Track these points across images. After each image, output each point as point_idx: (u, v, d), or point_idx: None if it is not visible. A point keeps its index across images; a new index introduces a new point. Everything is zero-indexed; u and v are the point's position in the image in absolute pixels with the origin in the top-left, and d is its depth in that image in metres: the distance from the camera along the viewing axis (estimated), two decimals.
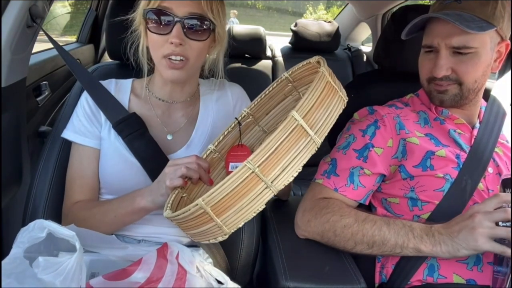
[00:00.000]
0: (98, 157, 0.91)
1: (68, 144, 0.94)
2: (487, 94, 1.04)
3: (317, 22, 2.58)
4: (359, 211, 0.90)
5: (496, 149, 0.97)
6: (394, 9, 2.04)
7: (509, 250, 0.74)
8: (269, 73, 2.43)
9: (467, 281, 0.87)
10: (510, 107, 1.04)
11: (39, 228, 0.64)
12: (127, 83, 0.98)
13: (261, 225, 1.05)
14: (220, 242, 0.90)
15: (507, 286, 0.77)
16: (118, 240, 0.83)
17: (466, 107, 0.99)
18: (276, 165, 0.59)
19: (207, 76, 1.03)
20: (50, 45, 1.02)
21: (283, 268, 0.84)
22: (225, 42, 0.94)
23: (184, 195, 0.81)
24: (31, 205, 0.96)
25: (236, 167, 0.86)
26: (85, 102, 0.93)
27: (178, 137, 0.95)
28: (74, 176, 0.91)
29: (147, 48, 0.90)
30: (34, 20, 0.97)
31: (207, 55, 0.94)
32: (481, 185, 0.92)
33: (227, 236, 0.66)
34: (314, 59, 0.78)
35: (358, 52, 2.64)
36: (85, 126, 0.91)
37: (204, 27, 0.84)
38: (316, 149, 0.63)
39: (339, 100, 0.67)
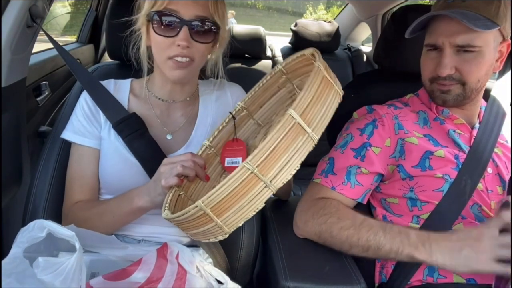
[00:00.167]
0: (98, 157, 0.91)
1: (68, 144, 0.94)
2: (487, 94, 1.04)
3: (317, 22, 2.58)
4: (357, 213, 0.89)
5: (495, 150, 0.97)
6: (394, 9, 2.04)
7: (509, 269, 0.73)
8: None
9: (467, 281, 0.87)
10: (510, 107, 1.04)
11: (39, 228, 0.64)
12: (126, 83, 0.98)
13: (261, 225, 1.05)
14: (220, 242, 0.90)
15: None
16: (118, 240, 0.83)
17: (466, 106, 0.99)
18: (275, 164, 0.59)
19: (208, 76, 1.03)
20: (50, 45, 1.02)
21: (283, 268, 0.84)
22: (227, 43, 0.94)
23: (181, 193, 0.81)
24: (31, 205, 0.96)
25: (232, 162, 0.87)
26: (84, 102, 0.93)
27: (178, 137, 0.95)
28: (74, 176, 0.91)
29: (147, 48, 0.90)
30: (34, 20, 0.97)
31: (208, 56, 0.94)
32: (480, 186, 0.92)
33: (227, 235, 0.67)
34: (308, 51, 0.77)
35: (358, 52, 2.64)
36: (84, 126, 0.91)
37: (210, 29, 0.85)
38: (314, 145, 0.62)
39: (335, 94, 0.66)
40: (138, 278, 0.72)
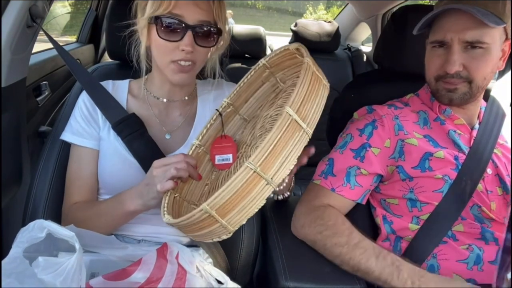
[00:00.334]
0: (97, 157, 0.92)
1: (68, 144, 0.94)
2: (486, 94, 1.04)
3: (317, 22, 2.58)
4: (354, 231, 0.87)
5: (495, 150, 0.97)
6: (394, 9, 2.04)
7: None
8: None
9: (467, 281, 0.87)
10: (510, 107, 1.04)
11: (39, 228, 0.64)
12: (124, 83, 0.98)
13: (261, 225, 1.05)
14: (220, 242, 0.90)
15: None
16: (118, 240, 0.83)
17: (468, 106, 0.99)
18: (275, 161, 0.60)
19: (206, 76, 1.03)
20: (50, 45, 1.02)
21: (283, 268, 0.84)
22: (226, 45, 0.95)
23: (176, 195, 0.81)
24: (31, 205, 0.96)
25: (223, 159, 0.88)
26: (82, 103, 0.93)
27: (176, 136, 0.95)
28: (73, 177, 0.92)
29: (146, 48, 0.90)
30: (34, 20, 0.97)
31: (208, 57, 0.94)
32: (480, 186, 0.92)
33: (231, 234, 0.67)
34: (293, 45, 0.78)
35: (358, 52, 2.64)
36: (83, 127, 0.91)
37: (213, 34, 0.86)
38: (308, 139, 0.64)
39: (324, 88, 0.68)
40: (138, 278, 0.72)
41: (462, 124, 0.99)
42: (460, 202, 0.90)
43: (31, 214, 0.96)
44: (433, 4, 1.01)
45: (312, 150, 0.77)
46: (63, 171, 0.94)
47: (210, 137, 0.91)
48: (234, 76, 1.09)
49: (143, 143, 0.89)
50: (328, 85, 0.69)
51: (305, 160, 0.78)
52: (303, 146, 0.63)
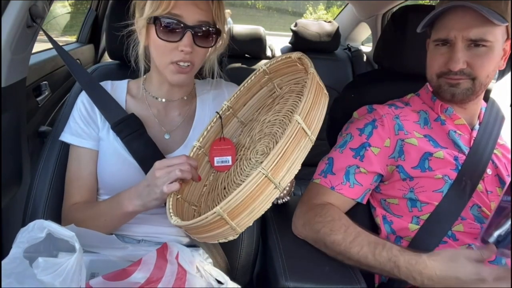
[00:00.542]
0: (96, 158, 0.92)
1: (67, 144, 0.94)
2: (487, 95, 1.04)
3: (317, 22, 2.58)
4: (349, 227, 0.87)
5: (495, 151, 0.97)
6: (394, 9, 2.04)
7: None
8: None
9: None
10: (510, 108, 1.04)
11: (39, 228, 0.64)
12: (122, 84, 0.98)
13: (261, 225, 1.05)
14: (220, 243, 0.90)
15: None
16: (118, 240, 0.83)
17: (469, 105, 0.99)
18: (284, 166, 0.63)
19: (205, 76, 1.03)
20: (50, 45, 1.02)
21: (283, 268, 0.84)
22: (225, 45, 0.95)
23: (178, 196, 0.81)
24: (31, 205, 0.96)
25: (222, 161, 0.90)
26: (81, 104, 0.93)
27: (176, 136, 0.95)
28: (72, 178, 0.92)
29: (145, 48, 0.90)
30: (34, 20, 0.97)
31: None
32: (480, 187, 0.92)
33: (237, 236, 0.68)
34: (295, 54, 0.80)
35: (358, 52, 2.64)
36: (82, 128, 0.91)
37: (212, 34, 0.86)
38: (311, 145, 0.68)
39: (325, 98, 0.72)
40: (138, 278, 0.72)
41: (462, 125, 0.99)
42: (460, 202, 0.90)
43: (31, 214, 0.96)
44: (433, 4, 1.01)
45: None
46: (63, 171, 0.94)
47: (210, 139, 0.92)
48: (234, 76, 1.09)
49: (142, 143, 0.89)
50: (327, 94, 0.73)
51: None
52: (307, 152, 0.66)
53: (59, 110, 1.29)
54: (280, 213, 1.07)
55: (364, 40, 2.94)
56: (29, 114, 1.36)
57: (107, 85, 0.96)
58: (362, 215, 1.04)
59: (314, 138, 0.67)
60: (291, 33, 2.57)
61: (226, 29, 0.91)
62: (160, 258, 0.76)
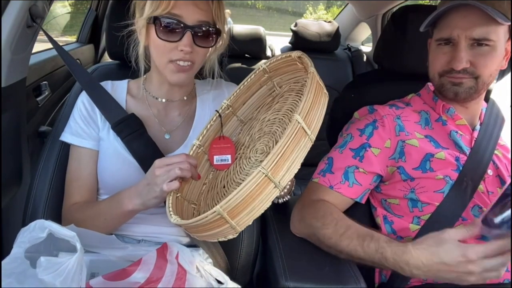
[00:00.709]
0: (96, 158, 0.92)
1: (68, 144, 0.94)
2: (487, 95, 1.04)
3: (317, 22, 2.58)
4: (340, 221, 0.87)
5: (495, 151, 0.97)
6: (394, 9, 2.04)
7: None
8: None
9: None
10: (510, 108, 1.04)
11: (40, 228, 0.64)
12: (122, 84, 0.98)
13: (261, 225, 1.05)
14: (220, 242, 0.90)
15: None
16: (118, 240, 0.83)
17: (471, 104, 0.99)
18: (283, 166, 0.64)
19: (205, 76, 1.03)
20: (50, 45, 1.02)
21: (283, 268, 0.84)
22: (225, 45, 0.95)
23: (178, 194, 0.81)
24: (31, 205, 0.96)
25: (221, 160, 0.90)
26: (82, 104, 0.93)
27: (176, 136, 0.95)
28: (72, 178, 0.92)
29: (145, 48, 0.90)
30: (34, 20, 0.97)
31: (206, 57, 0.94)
32: (481, 187, 0.92)
33: (237, 235, 0.68)
34: (295, 53, 0.80)
35: (358, 52, 2.64)
36: (82, 128, 0.91)
37: (212, 34, 0.86)
38: (311, 144, 0.68)
39: (325, 97, 0.72)
40: (138, 278, 0.72)
41: (463, 125, 0.99)
42: (461, 202, 0.90)
43: (31, 214, 0.96)
44: (433, 4, 1.01)
45: None
46: (63, 171, 0.94)
47: (209, 138, 0.92)
48: (234, 76, 1.09)
49: (142, 143, 0.89)
50: (327, 93, 0.73)
51: None
52: (307, 151, 0.66)
53: (59, 110, 1.30)
54: (280, 213, 1.07)
55: (364, 40, 2.94)
56: (29, 114, 1.36)
57: (107, 85, 0.96)
58: (363, 215, 1.04)
59: (314, 137, 0.67)
60: (291, 33, 2.57)
61: (226, 29, 0.91)
62: (160, 258, 0.76)
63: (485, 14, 0.87)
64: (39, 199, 0.96)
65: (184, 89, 0.98)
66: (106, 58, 2.25)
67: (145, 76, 0.97)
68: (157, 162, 0.78)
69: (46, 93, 1.53)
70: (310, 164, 0.91)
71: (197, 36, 0.83)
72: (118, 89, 0.97)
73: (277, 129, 0.86)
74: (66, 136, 0.92)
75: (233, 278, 0.82)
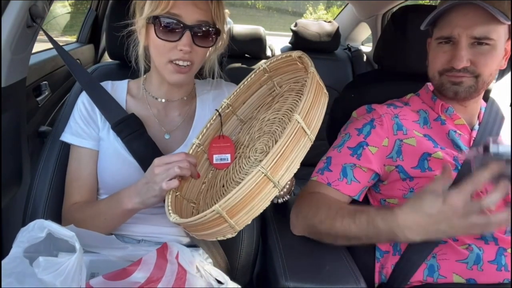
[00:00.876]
0: (96, 158, 0.92)
1: (68, 144, 0.95)
2: (486, 95, 1.04)
3: (317, 22, 2.58)
4: (333, 204, 0.88)
5: None
6: (394, 9, 2.04)
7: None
8: None
9: (467, 281, 0.87)
10: (509, 108, 1.04)
11: (39, 228, 0.64)
12: (122, 84, 0.98)
13: (261, 225, 1.05)
14: (220, 242, 0.90)
15: None
16: (118, 240, 0.83)
17: (470, 103, 0.99)
18: (283, 165, 0.64)
19: (205, 76, 1.03)
20: (50, 45, 1.02)
21: (283, 268, 0.84)
22: (225, 45, 0.95)
23: (177, 193, 0.82)
24: (31, 205, 0.96)
25: (221, 159, 0.90)
26: (82, 104, 0.93)
27: (176, 136, 0.95)
28: (72, 178, 0.92)
29: (144, 48, 0.90)
30: (34, 20, 0.97)
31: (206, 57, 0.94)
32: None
33: (236, 234, 0.69)
34: (296, 53, 0.80)
35: (358, 52, 2.64)
36: (82, 128, 0.92)
37: (212, 34, 0.86)
38: (311, 144, 0.68)
39: (325, 97, 0.72)
40: (138, 278, 0.72)
41: (462, 125, 0.99)
42: None
43: (31, 214, 0.96)
44: (433, 4, 1.01)
45: None
46: (63, 171, 0.95)
47: (209, 137, 0.92)
48: (234, 76, 1.09)
49: (142, 143, 0.89)
50: (327, 93, 0.73)
51: None
52: (306, 151, 0.66)
53: (59, 110, 1.30)
54: (280, 213, 1.07)
55: (364, 40, 2.94)
56: (29, 114, 1.36)
57: (107, 85, 0.96)
58: None
59: (313, 137, 0.67)
60: (291, 33, 2.57)
61: (225, 29, 0.91)
62: (160, 258, 0.76)
63: (485, 13, 0.87)
64: (39, 199, 0.96)
65: (184, 89, 0.98)
66: (106, 58, 2.25)
67: (145, 76, 0.97)
68: (157, 160, 0.78)
69: (46, 93, 1.53)
70: (310, 164, 0.91)
71: (197, 36, 0.83)
72: (118, 89, 0.97)
73: (277, 129, 0.86)
74: (66, 136, 0.92)
75: (233, 278, 0.82)
